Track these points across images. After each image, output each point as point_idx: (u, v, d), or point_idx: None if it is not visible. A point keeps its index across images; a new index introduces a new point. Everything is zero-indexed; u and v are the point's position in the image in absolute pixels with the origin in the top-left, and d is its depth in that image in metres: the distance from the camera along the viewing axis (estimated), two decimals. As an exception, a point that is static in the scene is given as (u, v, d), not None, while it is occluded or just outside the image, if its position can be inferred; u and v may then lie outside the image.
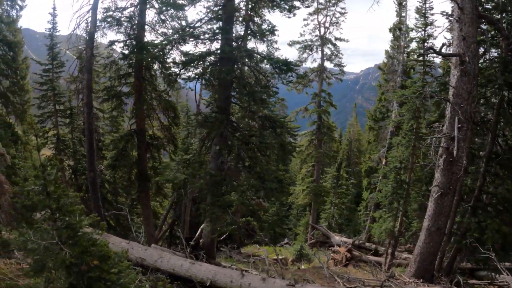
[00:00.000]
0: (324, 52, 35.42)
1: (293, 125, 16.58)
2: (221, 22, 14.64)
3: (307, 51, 35.33)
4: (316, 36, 35.61)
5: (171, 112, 20.91)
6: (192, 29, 14.33)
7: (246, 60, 14.04)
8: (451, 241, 18.15)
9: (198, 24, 14.12)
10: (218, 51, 13.96)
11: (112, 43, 20.50)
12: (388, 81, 34.99)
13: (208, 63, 13.73)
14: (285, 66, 13.81)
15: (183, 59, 15.03)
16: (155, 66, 20.32)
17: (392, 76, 34.15)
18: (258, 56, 14.12)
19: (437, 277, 16.35)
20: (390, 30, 35.53)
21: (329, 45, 35.42)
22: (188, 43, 14.80)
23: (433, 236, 15.59)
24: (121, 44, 20.43)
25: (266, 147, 12.62)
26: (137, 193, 20.82)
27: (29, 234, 5.64)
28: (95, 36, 20.24)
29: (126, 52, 20.05)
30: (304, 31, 35.74)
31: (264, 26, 15.57)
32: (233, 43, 14.32)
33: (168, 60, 18.19)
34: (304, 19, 35.69)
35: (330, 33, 35.59)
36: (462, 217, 18.38)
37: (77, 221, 5.25)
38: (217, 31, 14.16)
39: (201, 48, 14.58)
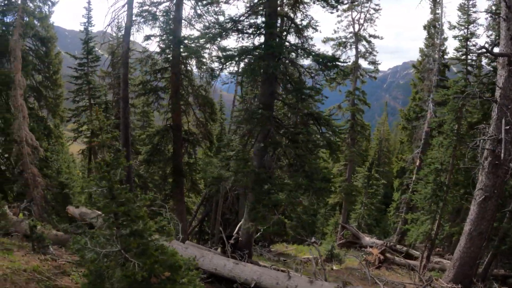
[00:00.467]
0: (358, 50, 34.72)
1: (337, 124, 16.05)
2: (262, 17, 14.29)
3: (341, 48, 34.59)
4: (350, 33, 34.90)
5: (208, 108, 20.64)
6: (234, 23, 13.96)
7: (292, 55, 13.63)
8: (488, 246, 17.70)
9: (241, 18, 13.75)
10: (263, 46, 13.54)
11: (148, 37, 20.36)
12: (423, 79, 34.06)
13: (252, 58, 13.32)
14: (330, 63, 13.37)
15: (221, 54, 14.75)
16: (192, 61, 20.09)
17: (428, 74, 33.19)
18: (303, 51, 13.67)
19: (474, 282, 15.92)
20: (424, 27, 34.60)
21: (364, 42, 34.66)
22: (229, 37, 14.44)
23: (474, 241, 15.26)
24: (157, 39, 20.31)
25: (314, 145, 12.20)
26: (171, 189, 20.61)
27: (85, 241, 5.16)
28: (131, 31, 20.13)
29: (163, 46, 19.91)
30: (338, 28, 35.05)
31: (305, 22, 15.18)
32: (277, 38, 13.90)
33: (206, 56, 17.98)
34: (338, 16, 34.99)
35: (364, 30, 34.82)
36: (500, 222, 17.87)
37: (145, 228, 4.74)
38: (261, 25, 13.75)
39: (244, 42, 14.20)
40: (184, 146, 20.48)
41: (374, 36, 34.92)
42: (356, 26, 34.86)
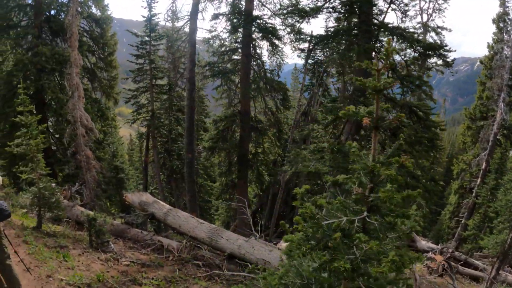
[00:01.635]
0: (426, 41, 32.56)
1: (438, 119, 14.42)
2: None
3: (408, 39, 32.61)
4: (418, 23, 32.70)
5: (280, 94, 19.19)
6: (325, 1, 12.61)
7: (390, 38, 12.15)
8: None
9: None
10: (357, 27, 12.14)
11: (216, 16, 19.23)
12: (491, 77, 31.73)
13: (348, 39, 11.89)
14: (430, 51, 11.88)
15: (296, 36, 13.48)
16: (263, 43, 18.81)
17: (498, 71, 30.87)
18: (401, 36, 12.19)
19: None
20: (493, 21, 32.25)
21: (432, 34, 32.45)
22: (317, 16, 13.10)
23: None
24: (225, 18, 19.09)
25: (418, 141, 10.72)
26: (234, 178, 19.42)
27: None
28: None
29: (232, 26, 18.70)
30: (404, 17, 33.00)
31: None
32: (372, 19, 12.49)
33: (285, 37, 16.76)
34: (405, 4, 32.90)
35: (432, 20, 32.62)
36: None
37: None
38: (356, 4, 12.32)
39: (335, 23, 12.84)
40: (250, 134, 19.22)
41: (442, 28, 32.65)
42: (425, 16, 32.58)
